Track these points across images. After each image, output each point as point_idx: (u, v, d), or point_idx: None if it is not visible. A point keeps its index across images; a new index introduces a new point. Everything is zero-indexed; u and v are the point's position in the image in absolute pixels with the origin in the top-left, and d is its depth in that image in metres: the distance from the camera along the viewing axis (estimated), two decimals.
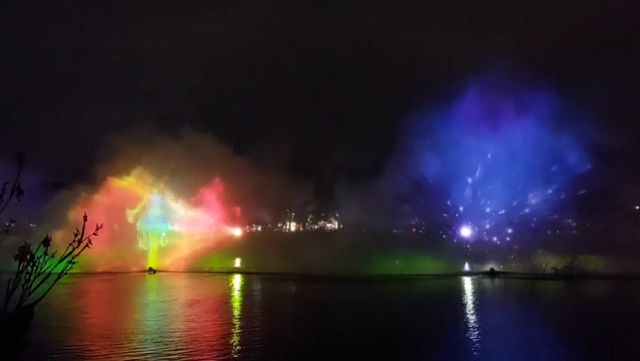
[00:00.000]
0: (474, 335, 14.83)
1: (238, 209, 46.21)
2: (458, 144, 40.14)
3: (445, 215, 42.38)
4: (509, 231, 40.09)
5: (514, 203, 40.35)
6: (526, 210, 40.40)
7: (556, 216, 39.15)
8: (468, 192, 41.59)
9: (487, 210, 41.32)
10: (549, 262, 36.28)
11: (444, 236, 42.28)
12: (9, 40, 70.77)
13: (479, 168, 40.81)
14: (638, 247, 37.00)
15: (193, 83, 70.48)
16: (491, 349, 13.39)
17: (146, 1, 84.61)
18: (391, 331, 15.77)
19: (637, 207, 41.97)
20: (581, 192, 37.67)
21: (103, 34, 78.95)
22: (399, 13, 78.08)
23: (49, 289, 2.69)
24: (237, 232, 47.47)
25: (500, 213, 40.85)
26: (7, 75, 64.33)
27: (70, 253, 2.95)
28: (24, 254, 2.62)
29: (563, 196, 39.29)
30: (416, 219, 43.29)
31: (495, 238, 40.18)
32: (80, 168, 43.07)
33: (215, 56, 76.71)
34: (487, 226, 41.11)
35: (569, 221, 39.50)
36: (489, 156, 40.03)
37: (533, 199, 40.00)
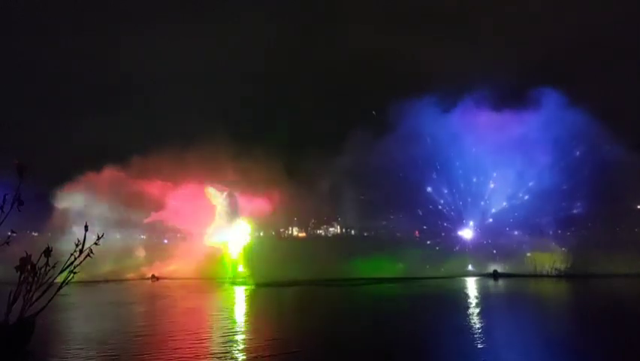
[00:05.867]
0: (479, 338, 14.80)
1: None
2: (457, 145, 40.19)
3: (447, 216, 42.21)
4: (511, 232, 39.98)
5: (516, 203, 40.20)
6: (528, 211, 40.19)
7: (558, 216, 38.99)
8: (468, 193, 41.47)
9: (490, 210, 41.17)
10: (552, 263, 36.24)
11: (445, 238, 42.05)
12: (8, 46, 70.78)
13: (480, 169, 40.70)
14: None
15: (192, 89, 70.42)
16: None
17: (142, 13, 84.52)
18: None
19: (639, 206, 41.79)
20: (583, 191, 37.46)
21: (104, 42, 79.02)
22: (398, 20, 78.00)
23: (50, 300, 2.68)
24: None
25: (502, 214, 40.68)
26: (7, 82, 64.22)
27: (72, 262, 2.95)
28: (25, 265, 2.63)
29: (565, 195, 39.12)
30: (419, 221, 43.03)
31: (497, 239, 39.99)
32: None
33: (213, 64, 76.67)
34: (489, 227, 40.90)
35: (572, 221, 39.36)
36: (489, 157, 39.91)
37: (534, 200, 39.81)
